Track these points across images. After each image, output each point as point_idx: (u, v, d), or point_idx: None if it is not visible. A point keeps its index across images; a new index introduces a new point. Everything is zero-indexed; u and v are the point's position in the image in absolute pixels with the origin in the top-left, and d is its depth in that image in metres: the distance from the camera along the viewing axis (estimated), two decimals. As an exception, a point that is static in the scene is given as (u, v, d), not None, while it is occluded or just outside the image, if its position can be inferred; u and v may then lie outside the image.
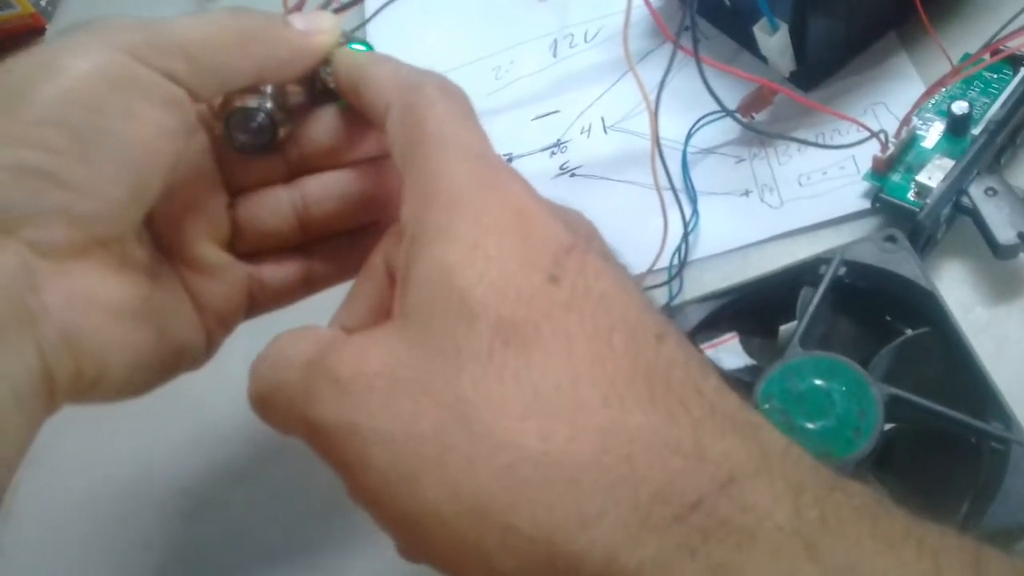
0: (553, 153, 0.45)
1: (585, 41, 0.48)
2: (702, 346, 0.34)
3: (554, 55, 0.49)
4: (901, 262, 0.33)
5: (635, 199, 0.42)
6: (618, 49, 0.43)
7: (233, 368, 0.42)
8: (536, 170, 0.45)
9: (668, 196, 0.41)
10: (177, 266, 0.29)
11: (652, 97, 0.38)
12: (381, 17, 0.49)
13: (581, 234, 0.24)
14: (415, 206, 0.23)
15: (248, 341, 0.42)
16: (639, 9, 0.40)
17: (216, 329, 0.30)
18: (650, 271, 0.37)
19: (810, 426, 0.30)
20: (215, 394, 0.42)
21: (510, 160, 0.46)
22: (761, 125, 0.42)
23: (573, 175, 0.44)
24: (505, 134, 0.47)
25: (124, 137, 0.25)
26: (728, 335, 0.34)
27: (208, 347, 0.30)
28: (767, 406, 0.31)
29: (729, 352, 0.34)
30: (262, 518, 0.40)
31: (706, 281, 0.39)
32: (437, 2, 0.52)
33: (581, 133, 0.45)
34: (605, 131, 0.45)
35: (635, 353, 0.21)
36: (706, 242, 0.40)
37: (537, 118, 0.47)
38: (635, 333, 0.21)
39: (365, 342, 0.23)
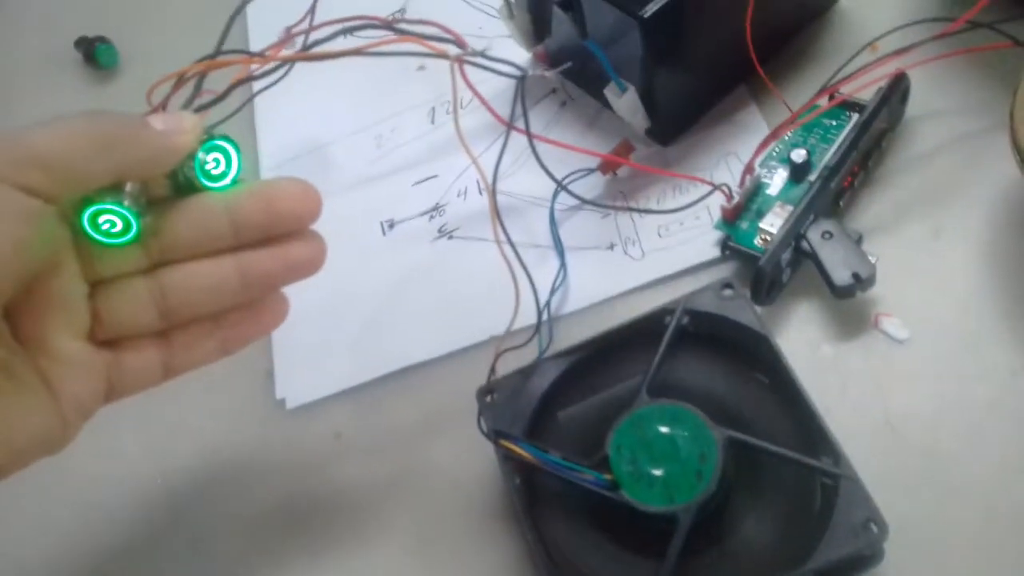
0: (432, 217, 0.47)
1: (461, 107, 0.50)
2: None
3: (432, 122, 0.50)
4: (738, 308, 0.35)
5: (512, 258, 0.44)
6: (484, 117, 0.45)
7: (122, 447, 0.43)
8: (416, 234, 0.46)
9: (539, 253, 0.43)
10: (34, 356, 0.30)
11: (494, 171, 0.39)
12: (266, 96, 0.50)
13: None
14: None
15: (141, 418, 0.43)
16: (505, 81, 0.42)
17: (73, 416, 0.30)
18: (510, 331, 0.38)
19: (656, 472, 0.32)
20: (103, 474, 0.43)
21: (392, 226, 0.47)
22: (623, 181, 0.44)
23: (451, 237, 0.46)
24: (387, 200, 0.48)
25: None
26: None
27: (66, 433, 0.30)
28: (617, 454, 0.32)
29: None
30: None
31: (575, 334, 0.40)
32: (320, 77, 0.53)
33: (458, 196, 0.47)
34: (480, 193, 0.47)
35: None
36: (575, 296, 0.42)
37: (417, 183, 0.48)
38: None
39: None
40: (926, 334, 0.37)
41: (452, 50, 0.36)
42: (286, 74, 0.42)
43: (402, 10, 0.56)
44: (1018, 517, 0.32)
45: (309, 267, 0.33)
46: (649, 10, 0.38)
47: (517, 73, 0.39)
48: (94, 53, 0.59)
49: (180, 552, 0.40)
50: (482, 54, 0.36)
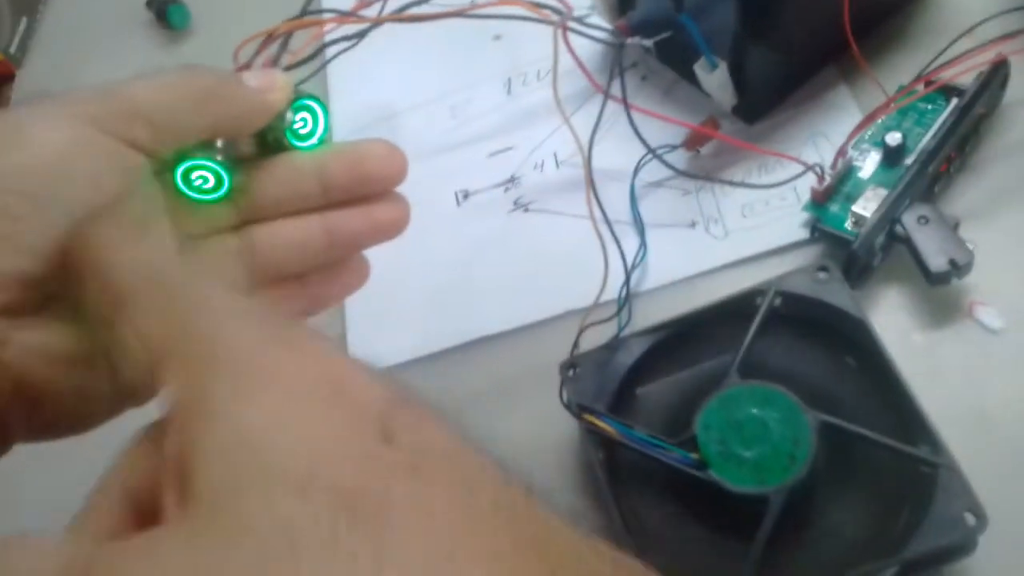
0: (507, 189, 0.46)
1: (538, 79, 0.49)
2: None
3: (508, 93, 0.50)
4: (833, 292, 0.34)
5: (586, 233, 0.43)
6: (570, 86, 0.44)
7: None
8: (491, 205, 0.46)
9: (617, 229, 0.43)
10: None
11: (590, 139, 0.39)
12: (340, 60, 0.50)
13: (400, 388, 0.21)
14: (188, 376, 0.20)
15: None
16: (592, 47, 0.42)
17: None
18: (595, 305, 0.38)
19: (746, 454, 0.31)
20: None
21: (467, 196, 0.47)
22: (705, 159, 0.43)
23: (527, 210, 0.45)
24: (461, 170, 0.48)
25: (86, 204, 0.26)
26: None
27: (154, 385, 0.31)
28: (705, 434, 0.32)
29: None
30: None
31: (654, 312, 0.39)
32: (395, 44, 0.53)
33: (534, 169, 0.46)
34: (557, 166, 0.46)
35: (509, 515, 0.18)
36: (654, 274, 0.41)
37: (492, 155, 0.48)
38: (500, 492, 0.19)
39: (143, 553, 0.17)
40: (1022, 324, 0.36)
41: (557, 17, 0.35)
42: (363, 37, 0.41)
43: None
44: (1116, 515, 0.32)
45: (394, 228, 0.33)
46: (747, -17, 0.37)
47: (616, 41, 0.38)
48: (166, 13, 0.59)
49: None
50: (581, 20, 0.35)
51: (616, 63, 0.39)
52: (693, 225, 0.42)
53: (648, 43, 0.39)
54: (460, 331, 0.42)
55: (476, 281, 0.44)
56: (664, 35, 0.40)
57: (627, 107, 0.39)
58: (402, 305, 0.44)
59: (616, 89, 0.39)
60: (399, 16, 0.38)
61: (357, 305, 0.45)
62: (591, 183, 0.39)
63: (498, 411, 0.40)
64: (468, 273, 0.44)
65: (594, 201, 0.39)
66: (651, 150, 0.41)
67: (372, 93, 0.53)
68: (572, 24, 0.36)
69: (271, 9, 0.36)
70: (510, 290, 0.43)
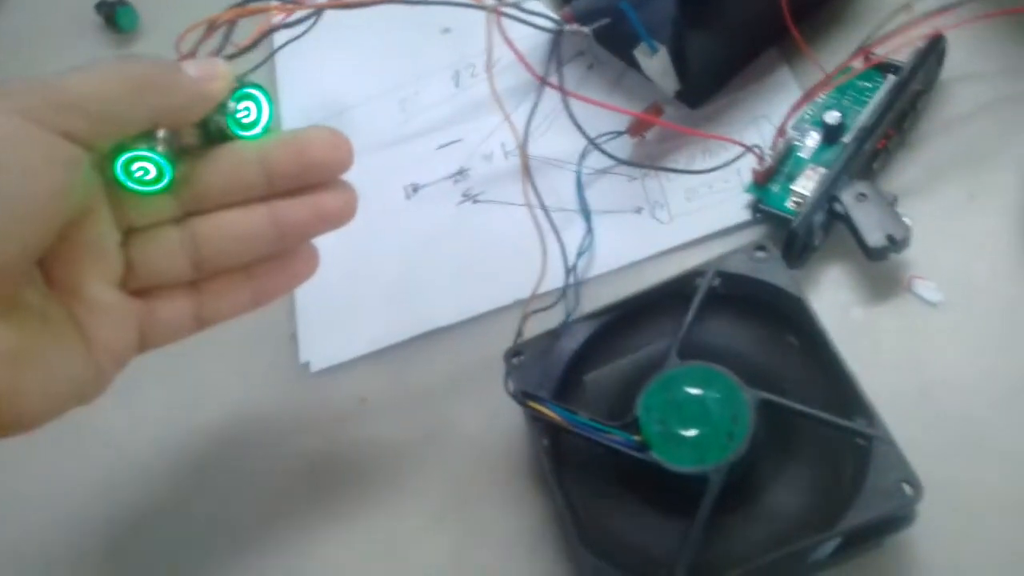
0: (456, 180, 0.46)
1: (485, 71, 0.49)
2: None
3: (456, 85, 0.50)
4: (771, 270, 0.34)
5: (539, 222, 0.43)
6: (515, 77, 0.45)
7: (148, 407, 0.43)
8: (441, 198, 0.46)
9: (565, 216, 0.43)
10: (68, 304, 0.30)
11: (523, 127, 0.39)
12: (288, 53, 0.50)
13: None
14: None
15: (167, 380, 0.44)
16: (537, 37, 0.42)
17: (107, 364, 0.30)
18: (535, 294, 0.38)
19: (686, 434, 0.32)
20: (129, 432, 0.43)
21: (416, 189, 0.47)
22: (651, 145, 0.43)
23: (476, 201, 0.45)
24: (411, 164, 0.48)
25: (22, 198, 0.26)
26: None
27: (99, 382, 0.30)
28: (647, 416, 0.32)
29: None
30: (187, 553, 0.40)
31: (602, 298, 0.39)
32: (344, 37, 0.53)
33: (483, 160, 0.47)
34: (505, 156, 0.46)
35: None
36: (602, 260, 0.42)
37: (441, 147, 0.48)
38: None
39: None
40: (960, 298, 0.36)
41: (489, 1, 0.35)
42: (312, 26, 0.41)
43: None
44: (1054, 482, 0.32)
45: (341, 216, 0.33)
46: (682, -32, 0.37)
47: (554, 27, 0.38)
48: (115, 16, 0.58)
49: (205, 513, 0.41)
50: (516, 5, 0.35)
51: (554, 51, 0.39)
52: (639, 210, 0.42)
53: (586, 30, 0.39)
54: (412, 324, 0.43)
55: (427, 274, 0.44)
56: (603, 22, 0.40)
57: (564, 96, 0.39)
58: (353, 301, 0.44)
59: (559, 77, 0.39)
60: (339, 3, 0.38)
61: (308, 302, 0.45)
62: (528, 173, 0.39)
63: (451, 402, 0.40)
64: (419, 266, 0.44)
65: (532, 191, 0.39)
66: (590, 140, 0.41)
67: (322, 87, 0.53)
68: (507, 9, 0.36)
69: (218, 10, 0.36)
70: (460, 281, 0.43)
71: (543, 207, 0.40)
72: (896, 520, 0.31)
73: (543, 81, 0.39)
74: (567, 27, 0.39)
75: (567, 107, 0.40)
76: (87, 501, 0.42)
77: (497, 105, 0.38)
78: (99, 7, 0.59)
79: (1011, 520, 0.32)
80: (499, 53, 0.46)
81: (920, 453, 0.32)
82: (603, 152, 0.42)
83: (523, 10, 0.37)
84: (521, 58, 0.39)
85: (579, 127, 0.40)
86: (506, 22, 0.38)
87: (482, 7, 0.35)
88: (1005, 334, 0.35)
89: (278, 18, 0.39)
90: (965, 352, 0.35)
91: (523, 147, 0.39)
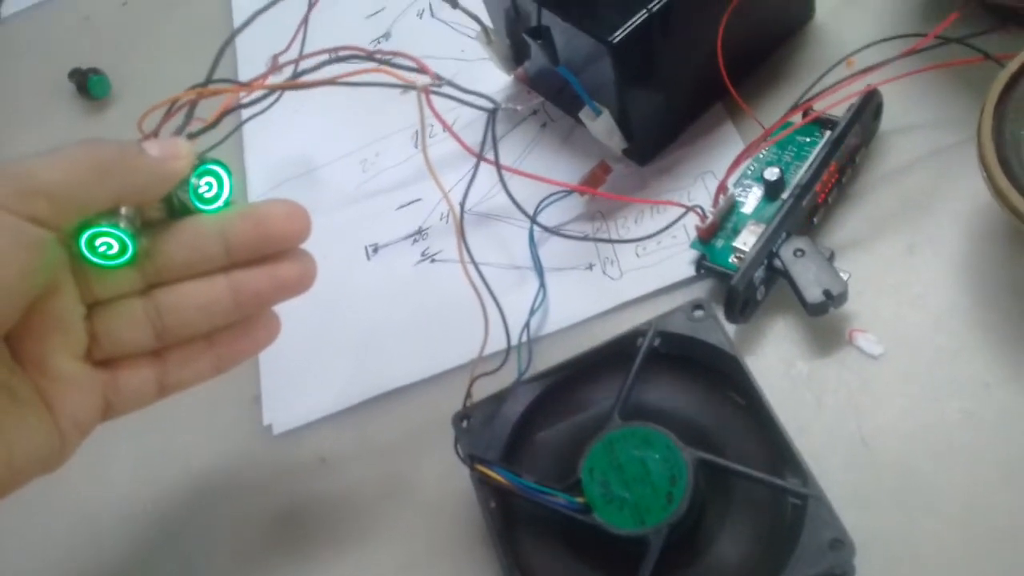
0: (415, 240, 0.47)
1: (443, 132, 0.50)
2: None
3: (415, 146, 0.51)
4: (708, 329, 0.35)
5: (493, 280, 0.44)
6: (473, 136, 0.46)
7: (112, 469, 0.44)
8: (400, 258, 0.47)
9: (519, 274, 0.44)
10: (32, 376, 0.30)
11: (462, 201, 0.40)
12: (253, 121, 0.51)
13: None
14: None
15: (133, 445, 0.44)
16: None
17: (71, 434, 0.31)
18: (480, 357, 0.39)
19: (627, 495, 0.32)
20: (93, 495, 0.44)
21: (376, 250, 0.48)
22: (600, 202, 0.44)
23: (433, 260, 0.46)
24: (372, 224, 0.49)
25: None
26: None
27: (63, 451, 0.31)
28: (589, 478, 0.33)
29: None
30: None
31: (554, 356, 0.40)
32: (307, 101, 0.54)
33: (440, 219, 0.48)
34: (462, 216, 0.47)
35: None
36: (555, 317, 0.42)
37: (401, 207, 0.49)
38: None
39: None
40: (900, 349, 0.37)
41: (421, 80, 0.36)
42: (275, 102, 0.43)
43: (387, 34, 0.57)
44: (992, 531, 0.32)
45: (299, 285, 0.34)
46: (618, 36, 0.38)
47: (488, 106, 0.39)
48: (87, 84, 0.60)
49: (171, 574, 0.41)
50: (449, 83, 0.37)
51: (488, 127, 0.40)
52: (591, 267, 0.43)
53: (521, 107, 0.40)
54: (371, 384, 0.43)
55: (384, 334, 0.45)
56: (537, 101, 0.41)
57: (500, 171, 0.40)
58: (316, 362, 0.45)
59: (495, 154, 0.40)
60: (287, 84, 0.40)
61: (271, 364, 0.45)
62: (462, 243, 0.40)
63: (408, 462, 0.41)
64: (378, 326, 0.45)
65: (466, 256, 0.40)
66: (529, 217, 0.42)
67: (286, 152, 0.54)
68: (438, 89, 0.37)
69: (191, 78, 0.37)
70: (419, 341, 0.44)
71: (478, 270, 0.40)
72: (834, 576, 0.31)
73: (479, 157, 0.40)
74: (504, 105, 0.40)
75: (503, 183, 0.41)
76: (52, 562, 0.43)
77: (435, 178, 0.39)
78: (72, 75, 0.61)
79: (949, 572, 0.32)
80: (454, 115, 0.48)
81: (861, 506, 0.33)
82: (542, 227, 0.43)
83: (458, 88, 0.38)
84: (455, 135, 0.41)
85: (516, 204, 0.42)
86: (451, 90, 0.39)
87: (412, 87, 0.36)
88: (943, 385, 0.35)
89: (242, 95, 0.40)
90: (905, 403, 0.36)
91: (459, 220, 0.41)
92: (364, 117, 0.53)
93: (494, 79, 0.50)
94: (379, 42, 0.56)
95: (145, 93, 0.60)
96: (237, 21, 0.60)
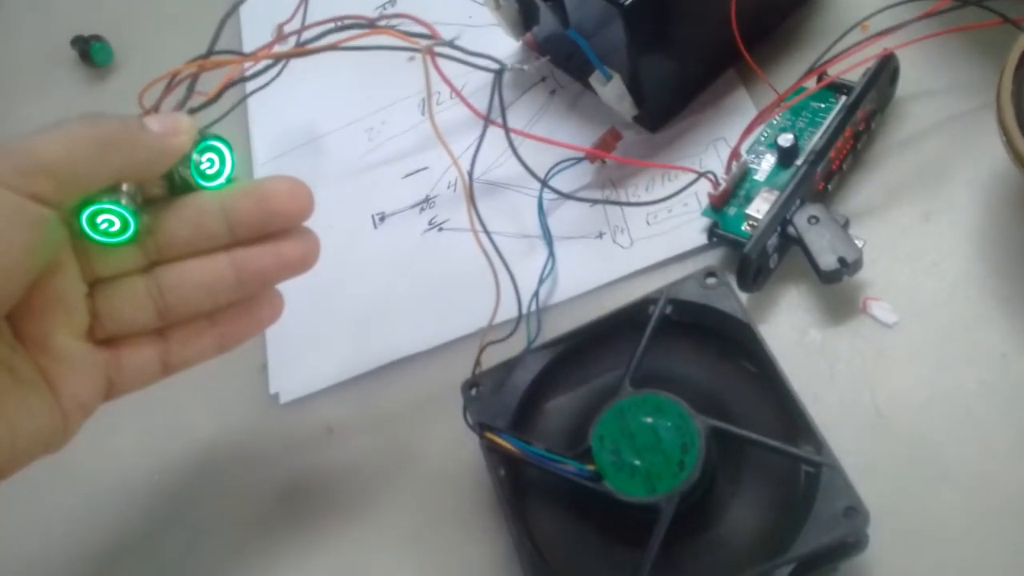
0: (423, 209, 0.47)
1: (451, 98, 0.50)
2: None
3: (422, 113, 0.50)
4: (721, 297, 0.35)
5: (502, 248, 0.43)
6: (482, 103, 0.45)
7: (119, 440, 0.44)
8: (407, 226, 0.46)
9: (528, 243, 0.43)
10: (35, 355, 0.30)
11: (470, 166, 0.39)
12: (258, 94, 0.50)
13: None
14: None
15: (138, 415, 0.44)
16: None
17: (74, 413, 0.31)
18: (491, 324, 0.38)
19: (638, 463, 0.32)
20: (100, 465, 0.44)
21: (383, 218, 0.47)
22: (611, 168, 0.44)
23: (441, 229, 0.46)
24: (378, 193, 0.48)
25: None
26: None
27: (66, 431, 0.31)
28: (600, 445, 0.32)
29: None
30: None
31: (564, 324, 0.40)
32: (311, 70, 0.53)
33: (448, 188, 0.47)
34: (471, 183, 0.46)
35: None
36: (564, 286, 0.42)
37: (407, 175, 0.48)
38: None
39: None
40: (915, 318, 0.36)
41: (425, 41, 0.36)
42: (279, 74, 0.42)
43: (392, 1, 0.56)
44: (1007, 502, 0.32)
45: (302, 264, 0.34)
46: (630, -3, 0.38)
47: (494, 67, 0.38)
48: (90, 52, 0.59)
49: (178, 546, 0.41)
50: (451, 44, 0.36)
51: (495, 90, 0.39)
52: (601, 235, 0.43)
53: (528, 67, 0.40)
54: (378, 354, 0.43)
55: (393, 303, 0.44)
56: (544, 59, 0.40)
57: (508, 134, 0.40)
58: (322, 331, 0.45)
59: (503, 116, 0.40)
60: (288, 52, 0.39)
61: (278, 333, 0.45)
62: (473, 209, 0.39)
63: (417, 431, 0.41)
64: (385, 295, 0.45)
65: (478, 224, 0.39)
66: (540, 180, 0.42)
67: (291, 122, 0.53)
68: (443, 50, 0.36)
69: (194, 47, 0.37)
70: (426, 310, 0.44)
71: (490, 238, 0.40)
72: (848, 546, 0.31)
73: (487, 120, 0.40)
74: (511, 65, 0.39)
75: (511, 146, 0.40)
76: (59, 536, 0.43)
77: (444, 144, 0.38)
78: (74, 42, 0.60)
79: (964, 543, 0.32)
80: (462, 81, 0.47)
81: (874, 475, 0.33)
82: (554, 191, 0.42)
83: (462, 50, 0.37)
84: (462, 98, 0.40)
85: (526, 167, 0.41)
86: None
87: (416, 49, 0.35)
88: (959, 354, 0.35)
89: (245, 67, 0.39)
90: (919, 372, 0.35)
91: (469, 185, 0.40)
92: (369, 85, 0.53)
93: (503, 45, 0.49)
94: (384, 7, 0.55)
95: (148, 61, 0.59)
96: (241, -12, 0.59)
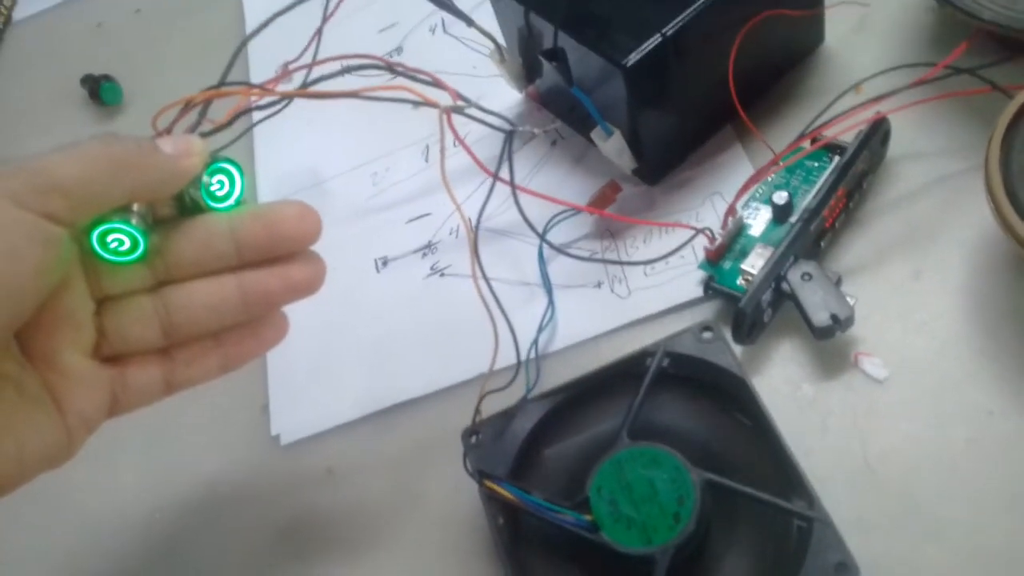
0: (425, 254, 0.48)
1: (454, 146, 0.51)
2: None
3: (426, 160, 0.51)
4: (717, 351, 0.36)
5: (502, 296, 0.44)
6: (485, 151, 0.46)
7: (121, 479, 0.44)
8: (409, 271, 0.47)
9: (528, 291, 0.44)
10: (41, 372, 0.31)
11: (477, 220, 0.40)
12: (265, 127, 0.51)
13: None
14: None
15: (139, 452, 0.44)
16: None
17: (79, 429, 0.32)
18: (491, 372, 0.39)
19: (635, 515, 0.32)
20: (102, 504, 0.44)
21: (386, 263, 0.48)
22: (610, 220, 0.45)
23: (443, 275, 0.47)
24: (382, 237, 0.49)
25: (4, 277, 0.27)
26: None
27: (70, 447, 0.32)
28: (597, 496, 0.33)
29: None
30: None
31: (563, 373, 0.41)
32: (318, 112, 0.54)
33: (450, 234, 0.48)
34: (477, 231, 0.47)
35: None
36: (564, 334, 0.43)
37: (410, 221, 0.49)
38: None
39: None
40: (905, 374, 0.37)
41: (443, 100, 0.37)
42: (285, 107, 0.43)
43: (399, 48, 0.57)
44: (994, 559, 0.33)
45: (308, 287, 0.34)
46: (632, 59, 0.39)
47: (506, 127, 0.40)
48: (99, 91, 0.60)
49: (176, 584, 0.41)
50: (471, 104, 0.37)
51: (505, 148, 0.40)
52: (599, 285, 0.44)
53: (537, 131, 0.41)
54: (379, 397, 0.44)
55: (395, 347, 0.45)
56: (554, 124, 0.42)
57: (515, 191, 0.41)
58: (324, 373, 0.45)
59: (511, 174, 0.41)
60: (305, 92, 0.40)
61: (279, 374, 0.46)
62: (475, 257, 0.40)
63: (416, 475, 0.41)
64: (387, 339, 0.46)
65: (479, 274, 0.40)
66: (539, 235, 0.43)
67: (297, 160, 0.54)
68: (459, 110, 0.37)
69: (201, 86, 0.38)
70: (427, 354, 0.44)
71: (489, 286, 0.41)
72: (838, 599, 0.31)
73: (495, 177, 0.41)
74: (520, 128, 0.40)
75: (517, 203, 0.41)
76: (58, 573, 0.43)
77: (451, 195, 0.39)
78: (84, 81, 0.61)
79: (952, 597, 0.33)
80: (464, 130, 0.48)
81: (864, 530, 0.33)
82: (552, 246, 0.43)
83: (478, 108, 0.38)
84: (473, 156, 0.41)
85: (528, 222, 0.42)
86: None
87: (435, 106, 0.37)
88: (947, 411, 0.36)
89: (253, 99, 0.40)
90: (909, 428, 0.36)
91: (474, 234, 0.41)
92: (374, 130, 0.54)
93: (506, 96, 0.50)
94: (391, 55, 0.56)
95: (157, 101, 0.59)
96: (250, 29, 0.61)
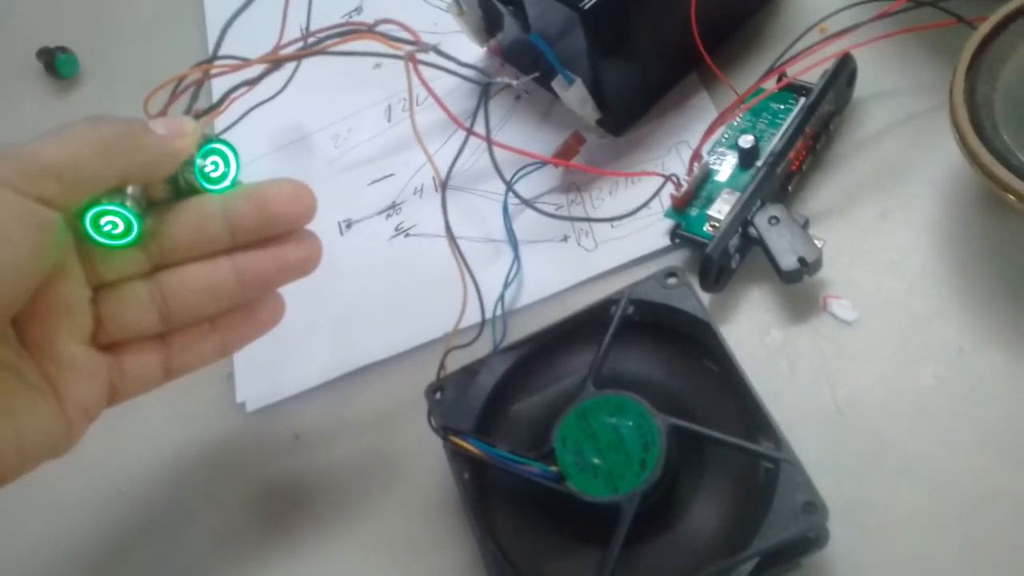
0: (388, 215, 0.47)
1: (417, 104, 0.50)
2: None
3: (388, 120, 0.50)
4: (682, 297, 0.35)
5: (468, 254, 0.43)
6: (452, 107, 0.45)
7: (86, 450, 0.43)
8: (373, 233, 0.47)
9: (494, 247, 0.43)
10: (39, 360, 0.30)
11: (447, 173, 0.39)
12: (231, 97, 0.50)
13: None
14: None
15: (102, 424, 0.44)
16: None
17: (78, 419, 0.31)
18: (457, 328, 0.38)
19: (600, 463, 0.32)
20: (67, 476, 0.43)
21: (349, 225, 0.47)
22: (576, 173, 0.44)
23: (407, 235, 0.46)
24: (345, 200, 0.48)
25: None
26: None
27: (71, 436, 0.31)
28: (562, 446, 0.32)
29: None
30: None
31: (530, 327, 0.40)
32: (276, 76, 0.53)
33: (414, 194, 0.47)
34: (436, 190, 0.47)
35: None
36: (530, 290, 0.42)
37: (373, 182, 0.48)
38: None
39: None
40: (874, 315, 0.37)
41: (407, 47, 0.36)
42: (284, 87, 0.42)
43: (359, 8, 0.56)
44: (965, 496, 0.32)
45: (304, 267, 0.34)
46: (589, 2, 0.38)
47: (482, 79, 0.39)
48: (55, 63, 0.59)
49: (146, 556, 0.41)
50: (435, 50, 0.36)
51: (482, 102, 0.39)
52: (565, 239, 0.43)
53: (514, 83, 0.40)
54: (343, 361, 0.43)
55: (360, 309, 0.44)
56: (533, 76, 0.41)
57: (490, 145, 0.40)
58: (288, 338, 0.44)
59: (486, 127, 0.40)
60: (276, 57, 0.39)
61: (244, 341, 0.45)
62: (446, 212, 0.39)
63: (379, 439, 0.41)
64: (352, 302, 0.45)
65: (448, 230, 0.39)
66: (507, 183, 0.42)
67: (258, 130, 0.53)
68: (425, 56, 0.36)
69: (159, 58, 0.37)
70: (393, 316, 0.44)
71: (455, 243, 0.40)
72: (808, 541, 0.31)
73: (469, 131, 0.40)
74: (496, 80, 0.39)
75: (492, 155, 0.40)
76: (24, 551, 0.42)
77: (440, 135, 0.38)
78: (40, 54, 0.60)
79: (923, 537, 0.32)
80: (434, 85, 0.47)
81: (835, 472, 0.33)
82: (518, 196, 0.42)
83: (447, 57, 0.37)
84: (445, 108, 0.40)
85: (499, 172, 0.41)
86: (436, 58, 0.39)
87: (397, 56, 0.36)
88: (918, 351, 0.35)
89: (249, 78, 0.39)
90: (879, 369, 0.35)
91: (444, 187, 0.40)
92: (335, 93, 0.53)
93: (468, 51, 0.49)
94: (351, 15, 0.55)
95: (114, 73, 0.59)
96: (207, 2, 0.59)
